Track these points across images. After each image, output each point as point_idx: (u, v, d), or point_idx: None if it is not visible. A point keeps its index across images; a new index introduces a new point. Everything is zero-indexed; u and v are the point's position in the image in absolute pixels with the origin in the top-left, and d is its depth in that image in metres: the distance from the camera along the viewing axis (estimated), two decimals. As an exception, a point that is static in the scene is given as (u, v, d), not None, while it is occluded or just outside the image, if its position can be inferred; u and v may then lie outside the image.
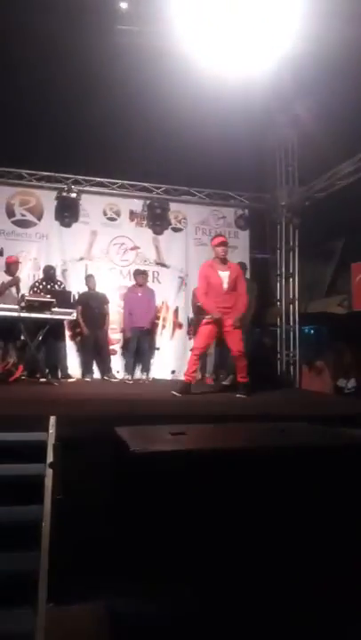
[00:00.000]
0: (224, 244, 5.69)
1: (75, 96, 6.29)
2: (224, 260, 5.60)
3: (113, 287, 7.95)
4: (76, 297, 7.45)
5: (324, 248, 8.99)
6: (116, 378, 7.50)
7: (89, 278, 7.54)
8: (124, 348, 7.82)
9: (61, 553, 2.70)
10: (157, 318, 8.05)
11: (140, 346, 7.44)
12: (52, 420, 3.30)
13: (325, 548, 2.43)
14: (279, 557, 2.36)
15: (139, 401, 4.66)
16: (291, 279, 8.39)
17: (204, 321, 5.53)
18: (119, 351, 7.94)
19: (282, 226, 8.43)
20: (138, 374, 7.61)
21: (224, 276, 5.45)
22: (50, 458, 3.00)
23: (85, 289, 7.54)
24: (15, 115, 6.48)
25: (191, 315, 7.92)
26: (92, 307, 7.36)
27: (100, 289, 7.57)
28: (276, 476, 2.40)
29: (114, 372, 7.60)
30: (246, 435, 2.77)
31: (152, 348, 7.92)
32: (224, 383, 6.93)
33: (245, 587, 2.32)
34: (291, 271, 8.39)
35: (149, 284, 7.86)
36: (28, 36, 5.49)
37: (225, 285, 5.42)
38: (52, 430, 3.22)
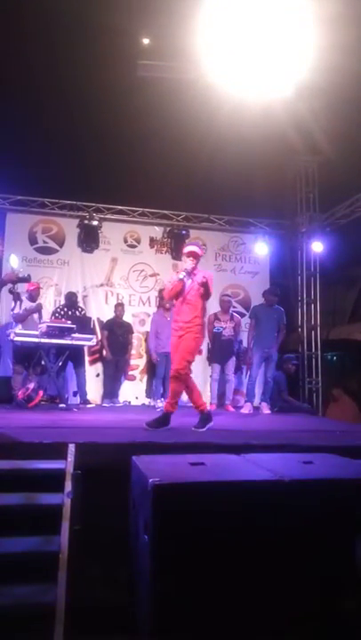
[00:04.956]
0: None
1: (96, 127, 6.43)
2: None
3: (131, 313, 8.01)
4: (96, 323, 7.52)
5: (347, 274, 8.91)
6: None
7: (118, 307, 7.66)
8: (147, 373, 7.82)
9: (79, 587, 2.62)
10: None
11: (165, 370, 7.40)
12: (72, 447, 3.25)
13: (354, 583, 2.32)
14: (304, 595, 2.25)
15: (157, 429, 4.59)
16: (312, 305, 8.31)
17: None
18: (138, 376, 7.94)
19: (302, 252, 8.41)
20: (154, 400, 7.57)
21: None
22: (68, 487, 2.95)
23: (111, 316, 7.63)
24: (38, 146, 6.65)
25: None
26: (117, 334, 7.44)
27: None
28: (303, 511, 2.31)
29: (133, 397, 7.61)
30: (270, 466, 2.67)
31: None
32: (243, 411, 6.82)
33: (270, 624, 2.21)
34: (312, 297, 8.31)
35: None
36: (52, 70, 5.67)
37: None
38: (70, 458, 3.17)
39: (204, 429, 4.50)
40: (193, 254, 4.65)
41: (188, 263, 4.61)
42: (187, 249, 4.79)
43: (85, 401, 7.13)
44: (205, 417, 4.60)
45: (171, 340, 4.76)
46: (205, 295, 4.58)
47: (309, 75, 5.03)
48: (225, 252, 8.70)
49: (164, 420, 4.43)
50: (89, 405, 7.06)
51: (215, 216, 8.58)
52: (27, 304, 6.55)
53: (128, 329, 7.60)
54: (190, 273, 4.56)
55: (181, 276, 4.55)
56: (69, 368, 7.07)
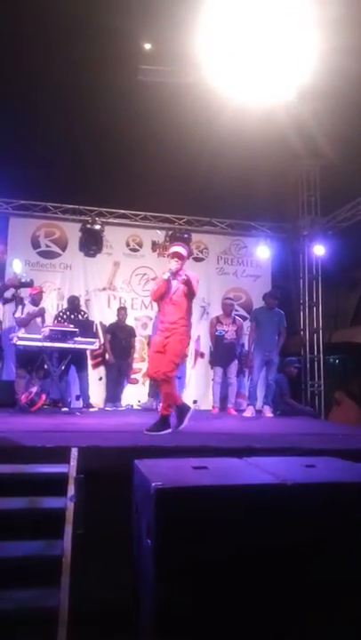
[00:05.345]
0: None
1: (98, 131, 6.46)
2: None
3: (133, 317, 8.03)
4: (99, 326, 7.55)
5: (349, 277, 8.91)
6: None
7: (120, 310, 7.68)
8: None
9: (82, 591, 2.62)
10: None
11: None
12: (74, 451, 3.26)
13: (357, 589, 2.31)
14: (306, 599, 2.24)
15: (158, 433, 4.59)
16: (314, 308, 8.31)
17: None
18: (140, 380, 7.94)
19: (304, 255, 8.41)
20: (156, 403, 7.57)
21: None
22: (71, 491, 2.95)
23: (113, 320, 7.65)
24: (41, 150, 6.68)
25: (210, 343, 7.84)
26: (120, 338, 7.46)
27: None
28: (306, 514, 2.30)
29: (135, 400, 7.62)
30: (272, 469, 2.66)
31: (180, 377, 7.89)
32: (245, 414, 6.81)
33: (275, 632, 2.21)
34: (314, 300, 8.31)
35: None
36: (53, 74, 5.69)
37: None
38: (73, 462, 3.17)
39: (185, 423, 4.54)
40: (177, 255, 4.64)
41: (172, 264, 4.61)
42: (171, 250, 4.79)
43: (88, 405, 7.14)
44: (180, 410, 4.61)
45: (154, 339, 4.75)
46: (190, 295, 4.58)
47: (311, 78, 5.04)
48: (227, 255, 8.71)
49: (163, 423, 4.43)
50: (91, 409, 7.06)
51: (217, 219, 8.59)
52: (29, 308, 6.58)
53: (131, 332, 7.62)
54: (175, 274, 4.57)
55: (166, 277, 4.55)
56: (72, 372, 7.08)
